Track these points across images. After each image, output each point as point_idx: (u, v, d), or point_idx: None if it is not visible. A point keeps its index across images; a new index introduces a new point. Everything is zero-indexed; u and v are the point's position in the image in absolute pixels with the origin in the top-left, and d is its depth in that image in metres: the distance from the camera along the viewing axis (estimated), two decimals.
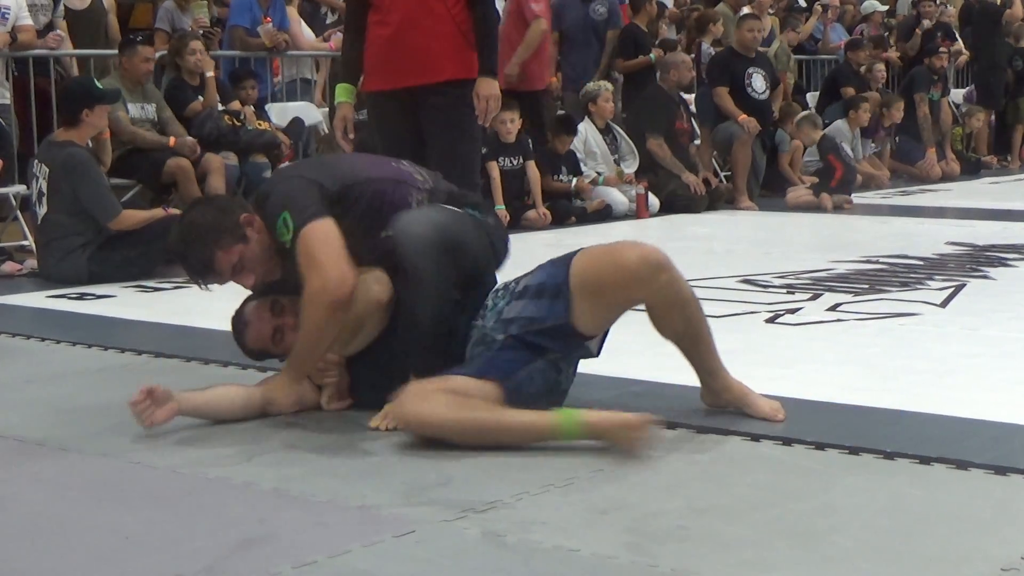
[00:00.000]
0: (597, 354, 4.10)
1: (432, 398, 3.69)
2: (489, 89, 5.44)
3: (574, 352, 4.01)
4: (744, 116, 11.21)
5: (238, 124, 9.37)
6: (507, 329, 3.96)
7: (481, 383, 3.78)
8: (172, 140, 8.66)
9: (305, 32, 11.08)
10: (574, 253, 3.98)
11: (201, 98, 9.36)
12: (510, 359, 3.89)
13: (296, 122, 10.29)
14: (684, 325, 3.91)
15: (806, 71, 14.99)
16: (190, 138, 8.73)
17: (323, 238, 3.90)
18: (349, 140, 5.55)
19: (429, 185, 4.23)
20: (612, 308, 3.94)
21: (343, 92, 5.64)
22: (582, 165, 10.59)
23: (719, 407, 4.02)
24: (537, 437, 3.70)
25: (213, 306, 6.31)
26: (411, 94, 5.45)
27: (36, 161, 7.37)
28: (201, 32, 10.14)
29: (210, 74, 9.39)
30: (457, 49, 5.46)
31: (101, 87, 7.44)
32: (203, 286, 4.24)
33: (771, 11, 14.24)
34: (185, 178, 8.52)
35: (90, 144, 7.58)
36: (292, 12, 11.05)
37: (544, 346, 3.92)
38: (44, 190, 7.18)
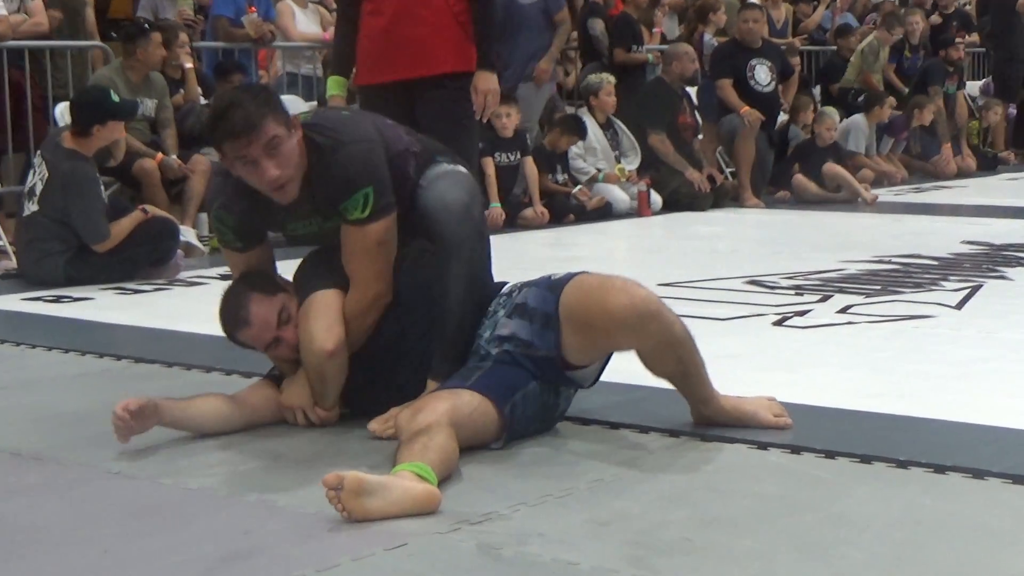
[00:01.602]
0: (590, 385, 4.09)
1: (440, 429, 3.54)
2: (487, 83, 5.45)
3: (564, 381, 3.99)
4: (746, 108, 11.23)
5: None
6: (502, 345, 3.96)
7: (482, 401, 3.74)
8: (159, 157, 8.64)
9: (299, 24, 11.05)
10: (568, 278, 3.92)
11: (182, 91, 9.36)
12: (507, 377, 3.87)
13: None
14: (675, 365, 3.89)
15: (814, 62, 14.99)
16: (176, 160, 8.71)
17: (386, 244, 4.03)
18: None
19: (418, 148, 4.21)
20: (600, 348, 3.92)
21: (335, 85, 5.63)
22: (581, 161, 10.59)
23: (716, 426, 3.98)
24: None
25: (195, 308, 6.34)
26: (406, 88, 5.44)
27: (38, 156, 7.35)
28: (183, 22, 10.14)
29: (189, 66, 9.38)
30: (455, 41, 5.46)
31: (117, 100, 7.38)
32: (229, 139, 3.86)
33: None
34: (150, 182, 8.51)
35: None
36: (284, 4, 11.04)
37: (533, 372, 3.91)
38: (38, 190, 7.17)
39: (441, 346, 4.04)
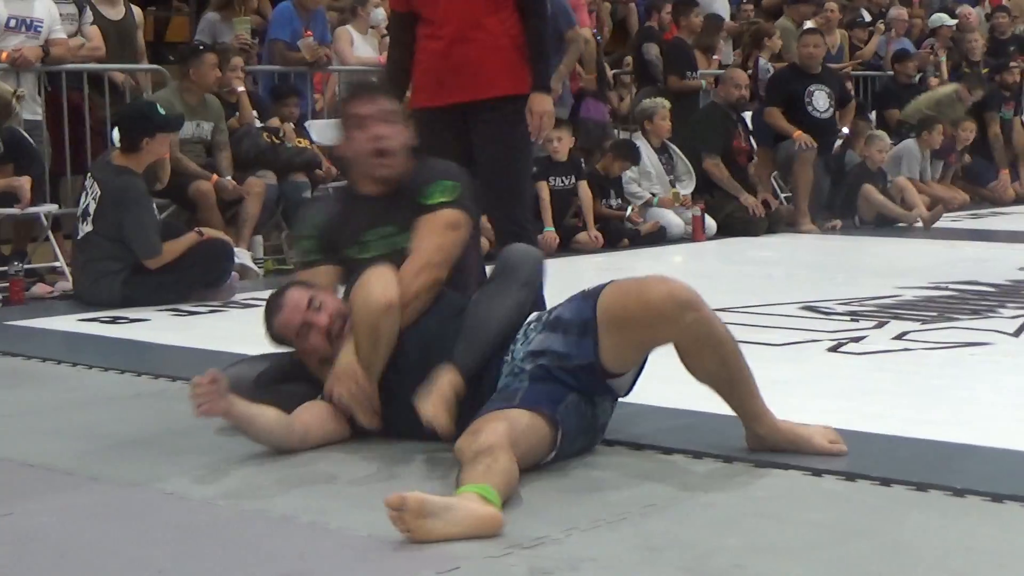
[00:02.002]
0: (626, 394, 4.09)
1: (502, 451, 3.53)
2: (543, 105, 5.45)
3: (601, 391, 3.99)
4: (799, 132, 11.19)
5: (277, 142, 9.43)
6: (536, 360, 3.97)
7: (532, 416, 3.74)
8: (214, 178, 8.70)
9: (356, 48, 11.10)
10: (604, 286, 3.97)
11: (237, 115, 9.42)
12: (548, 391, 3.87)
13: None
14: (717, 366, 3.88)
15: (871, 88, 14.93)
16: (231, 181, 8.77)
17: (456, 231, 4.33)
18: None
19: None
20: (639, 347, 3.93)
21: None
22: (635, 186, 10.58)
23: (769, 450, 3.95)
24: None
25: (249, 331, 6.35)
26: (462, 111, 5.46)
27: (89, 177, 7.43)
28: (239, 47, 10.21)
29: (241, 89, 9.45)
30: (511, 64, 5.46)
31: (164, 113, 7.46)
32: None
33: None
34: (206, 204, 8.57)
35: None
36: (342, 29, 11.11)
37: (570, 384, 3.91)
38: (91, 210, 7.24)
39: (472, 342, 4.05)
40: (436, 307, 4.20)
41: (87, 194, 7.33)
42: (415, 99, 5.63)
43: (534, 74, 5.48)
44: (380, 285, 4.08)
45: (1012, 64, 14.42)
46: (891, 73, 14.60)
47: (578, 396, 3.91)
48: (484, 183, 5.02)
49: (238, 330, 6.45)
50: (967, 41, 14.55)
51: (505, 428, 3.62)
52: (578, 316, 3.95)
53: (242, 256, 8.22)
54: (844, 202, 11.61)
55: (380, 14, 11.28)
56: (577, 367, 3.91)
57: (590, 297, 3.96)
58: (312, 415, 4.17)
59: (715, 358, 3.87)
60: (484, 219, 5.31)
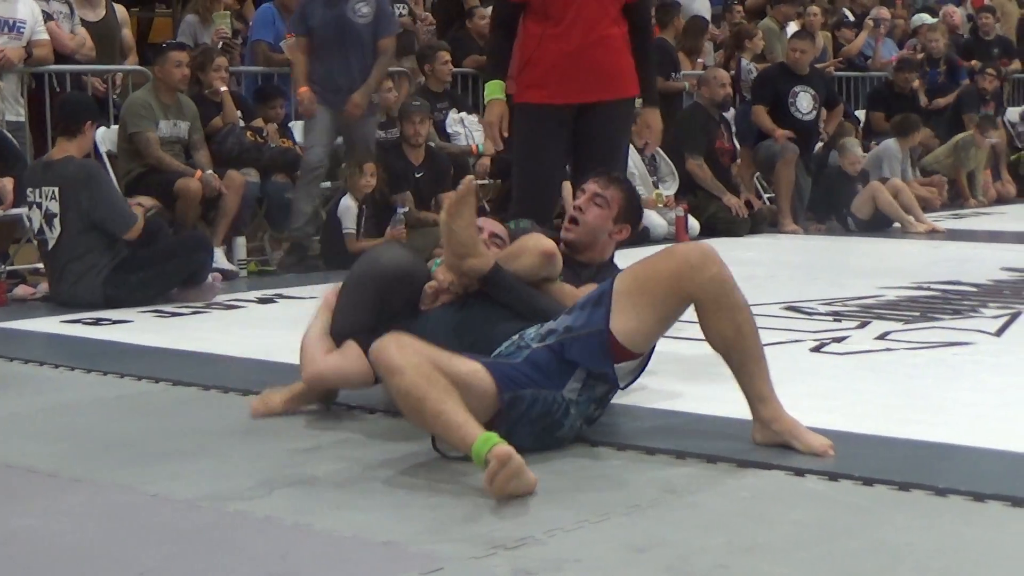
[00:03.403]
0: (624, 386, 4.11)
1: (409, 354, 3.72)
2: (658, 121, 5.94)
3: (599, 377, 3.99)
4: (780, 132, 11.22)
5: (261, 141, 9.42)
6: (545, 339, 4.03)
7: (479, 374, 3.85)
8: (198, 174, 8.68)
9: None
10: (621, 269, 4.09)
11: (221, 114, 9.40)
12: (526, 373, 3.94)
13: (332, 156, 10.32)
14: (734, 332, 3.91)
15: (854, 88, 14.95)
16: (214, 175, 8.75)
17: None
18: (503, 138, 5.70)
19: None
20: (655, 307, 3.93)
21: (497, 88, 5.77)
22: None
23: (768, 443, 3.97)
24: (454, 443, 3.69)
25: (232, 332, 6.37)
26: (579, 109, 5.70)
27: (31, 189, 7.39)
28: (221, 45, 10.18)
29: (224, 89, 9.43)
30: (632, 69, 5.77)
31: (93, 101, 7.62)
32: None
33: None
34: (190, 201, 8.55)
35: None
36: None
37: (573, 360, 3.93)
38: (55, 210, 7.22)
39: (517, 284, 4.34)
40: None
41: (38, 206, 7.29)
42: (529, 95, 5.78)
43: (650, 88, 5.91)
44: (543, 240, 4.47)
45: (988, 71, 14.43)
46: (884, 76, 14.61)
47: (557, 396, 3.93)
48: (587, 177, 5.35)
49: (221, 331, 6.45)
50: (929, 41, 14.55)
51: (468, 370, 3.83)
52: (597, 291, 4.06)
53: (217, 257, 8.21)
54: (823, 204, 11.61)
55: None
56: (586, 335, 3.96)
57: (611, 276, 4.08)
58: (344, 350, 4.41)
59: (731, 323, 3.91)
60: None
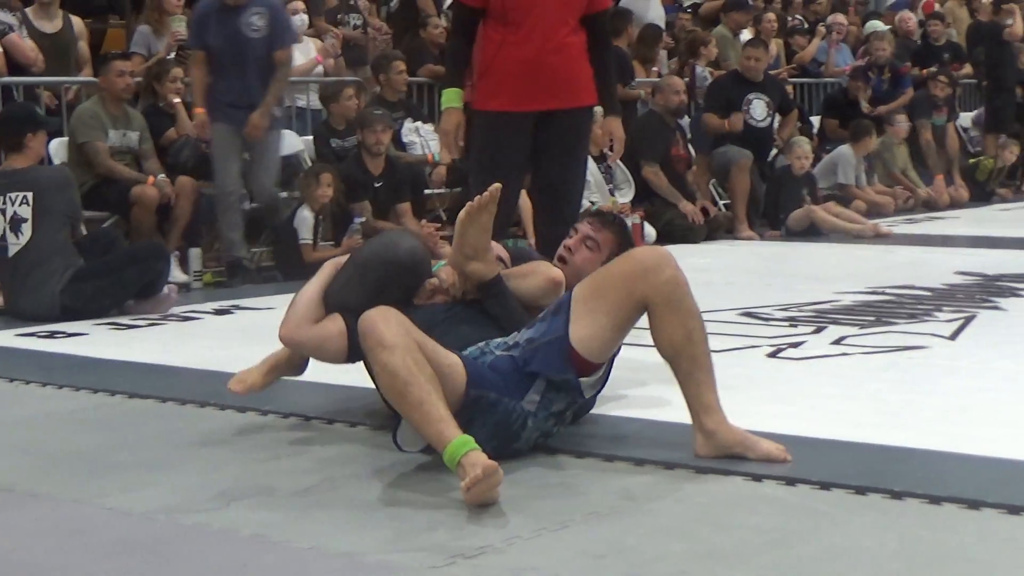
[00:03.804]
0: (590, 399, 4.12)
1: (401, 333, 3.72)
2: (621, 130, 5.93)
3: (560, 387, 3.99)
4: (732, 119, 11.34)
5: None
6: (509, 350, 4.05)
7: (458, 368, 3.85)
8: (151, 179, 8.64)
9: (296, 59, 11.07)
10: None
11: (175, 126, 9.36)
12: (491, 377, 3.94)
13: (288, 167, 10.29)
14: (684, 338, 3.90)
15: (808, 94, 15.02)
16: (167, 180, 8.71)
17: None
18: (459, 147, 5.68)
19: None
20: (611, 313, 3.93)
21: (454, 97, 5.74)
22: None
23: (712, 455, 3.93)
24: (428, 436, 3.68)
25: (188, 344, 6.34)
26: (539, 117, 5.69)
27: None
28: (176, 51, 10.14)
29: (177, 100, 9.39)
30: (590, 76, 5.77)
31: (41, 113, 7.54)
32: None
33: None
34: (145, 207, 8.51)
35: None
36: None
37: (533, 371, 3.94)
38: (26, 215, 7.18)
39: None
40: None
41: (2, 212, 7.25)
42: (488, 102, 5.75)
43: (611, 98, 5.93)
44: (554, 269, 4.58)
45: (940, 77, 14.51)
46: (838, 83, 14.68)
47: (516, 406, 3.93)
48: (546, 185, 5.52)
49: (178, 343, 6.42)
50: (875, 49, 14.63)
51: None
52: (556, 302, 4.09)
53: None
54: (769, 207, 11.65)
55: (300, 20, 11.24)
56: (546, 343, 3.96)
57: (569, 290, 4.10)
58: (328, 324, 4.43)
59: (683, 329, 3.90)
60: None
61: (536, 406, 3.98)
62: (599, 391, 4.19)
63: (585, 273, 4.58)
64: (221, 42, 8.80)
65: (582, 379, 4.00)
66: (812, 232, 11.27)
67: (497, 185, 4.27)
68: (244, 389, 4.53)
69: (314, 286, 4.51)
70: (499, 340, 4.14)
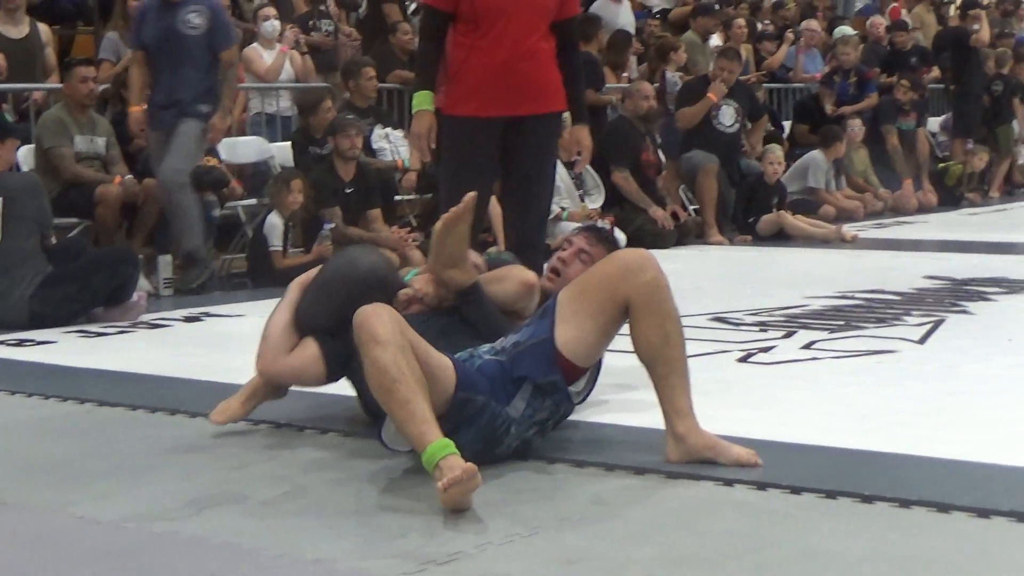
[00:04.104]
0: (578, 402, 4.14)
1: (395, 330, 3.71)
2: (589, 138, 5.94)
3: (546, 391, 3.98)
4: (711, 94, 11.46)
5: None
6: (497, 355, 4.05)
7: (448, 371, 3.85)
8: (117, 179, 8.62)
9: (267, 64, 11.06)
10: None
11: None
12: (479, 381, 3.94)
13: (258, 173, 10.27)
14: (662, 341, 3.92)
15: (777, 100, 15.07)
16: (134, 180, 8.69)
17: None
18: (431, 151, 5.67)
19: None
20: (594, 315, 3.95)
21: (426, 100, 5.72)
22: None
23: (683, 460, 3.93)
24: (411, 435, 3.66)
25: (158, 351, 6.31)
26: (508, 123, 5.69)
27: None
28: None
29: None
30: (559, 83, 5.78)
31: (9, 120, 7.51)
32: None
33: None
34: (108, 204, 8.48)
35: None
36: (251, 48, 11.11)
37: (520, 376, 3.95)
38: None
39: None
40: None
41: None
42: (458, 107, 5.73)
43: (580, 106, 5.94)
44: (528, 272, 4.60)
45: (903, 82, 14.57)
46: (809, 88, 14.73)
47: (501, 410, 3.93)
48: (515, 190, 5.54)
49: (147, 350, 6.40)
50: (840, 53, 14.69)
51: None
52: (542, 307, 4.11)
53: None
54: (739, 212, 11.68)
55: (271, 25, 11.23)
56: (532, 346, 3.97)
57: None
58: (302, 351, 4.43)
59: (661, 331, 3.91)
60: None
61: (520, 413, 3.98)
62: (583, 400, 4.20)
63: None
64: (158, 40, 8.57)
65: (569, 387, 4.01)
66: (781, 236, 11.33)
67: (472, 194, 4.28)
68: (225, 419, 4.51)
69: (283, 312, 4.52)
70: (487, 346, 4.14)
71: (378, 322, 3.71)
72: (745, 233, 11.53)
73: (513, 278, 4.52)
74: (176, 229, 8.58)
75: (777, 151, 11.95)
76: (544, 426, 4.09)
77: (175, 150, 8.51)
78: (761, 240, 11.32)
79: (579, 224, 10.48)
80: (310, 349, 4.44)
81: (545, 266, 4.91)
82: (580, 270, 4.66)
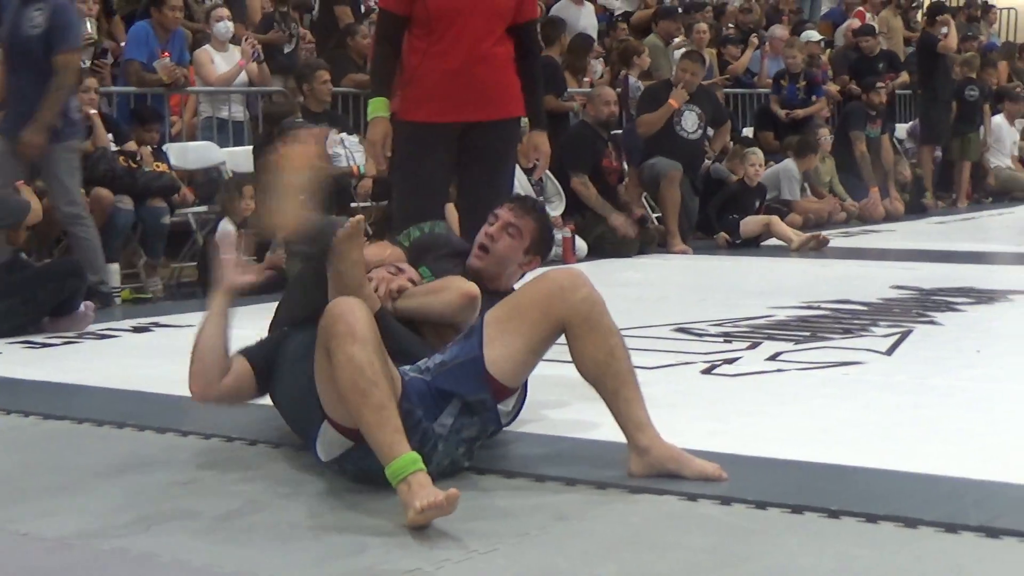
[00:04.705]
0: (507, 422, 4.12)
1: (372, 330, 3.67)
2: (547, 145, 5.90)
3: (474, 409, 3.95)
4: (674, 96, 11.43)
5: (134, 166, 9.32)
6: (421, 373, 3.99)
7: (397, 380, 3.81)
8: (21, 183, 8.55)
9: (218, 68, 11.02)
10: None
11: (91, 139, 9.29)
12: (414, 396, 3.89)
13: (210, 180, 10.24)
14: (607, 356, 3.92)
15: (740, 105, 15.13)
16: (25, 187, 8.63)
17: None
18: (387, 158, 5.65)
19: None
20: (525, 335, 3.93)
21: (381, 106, 5.71)
22: None
23: (646, 474, 3.93)
24: (378, 444, 3.61)
25: (103, 365, 6.28)
26: (464, 128, 5.69)
27: None
28: (90, 63, 10.06)
29: (93, 112, 9.32)
30: (517, 88, 5.79)
31: None
32: None
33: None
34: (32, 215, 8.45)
35: None
36: (202, 51, 11.09)
37: (446, 391, 3.92)
38: None
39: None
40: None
41: None
42: (412, 112, 5.73)
43: (537, 111, 5.94)
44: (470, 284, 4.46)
45: (879, 84, 14.65)
46: (768, 92, 14.81)
47: (428, 426, 3.89)
48: (472, 197, 5.51)
49: (94, 362, 6.36)
50: (786, 56, 14.76)
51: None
52: (468, 328, 4.07)
53: None
54: (715, 215, 11.72)
55: (224, 27, 11.19)
56: (459, 364, 3.94)
57: (482, 315, 4.08)
58: (235, 370, 4.27)
59: (604, 347, 3.91)
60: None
61: (447, 430, 3.93)
62: (511, 421, 4.18)
63: (508, 261, 4.66)
64: (7, 37, 8.13)
65: (498, 405, 3.99)
66: (763, 237, 11.38)
67: (360, 217, 4.17)
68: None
69: (213, 331, 4.27)
70: (407, 366, 4.03)
71: (354, 318, 3.66)
72: (719, 232, 11.56)
73: (453, 290, 4.43)
74: (80, 260, 8.15)
75: (758, 153, 12.02)
76: (472, 445, 4.04)
77: (54, 190, 8.27)
78: (735, 243, 11.36)
79: None
80: (241, 364, 4.30)
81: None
82: (509, 244, 4.69)
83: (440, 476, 3.91)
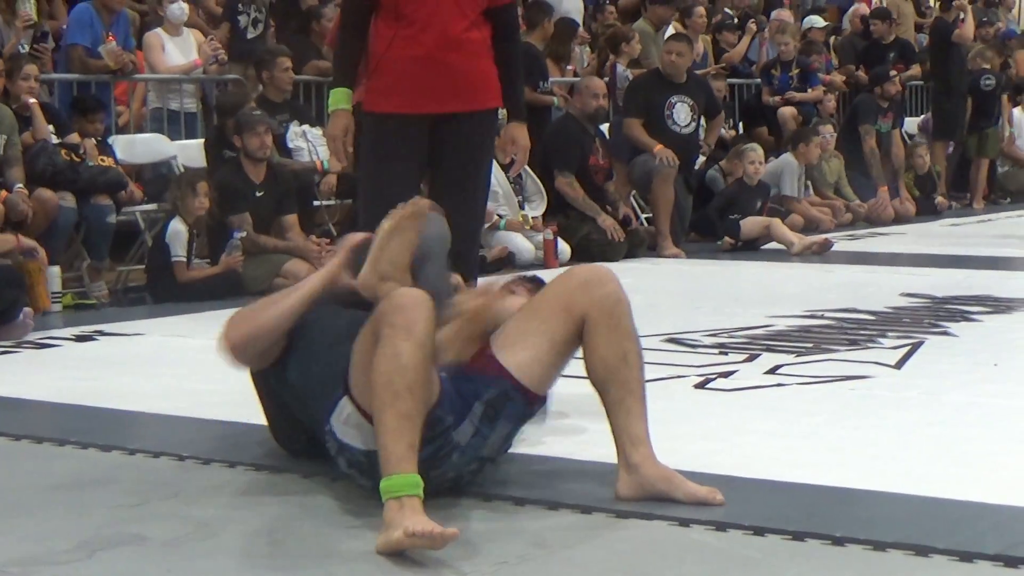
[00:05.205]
0: (541, 416, 4.17)
1: (429, 332, 3.70)
2: (526, 138, 5.90)
3: (499, 401, 3.97)
4: (660, 147, 11.28)
5: (77, 160, 9.27)
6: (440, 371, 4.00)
7: (436, 385, 3.83)
8: (3, 194, 8.54)
9: (169, 55, 11.00)
10: None
11: (31, 129, 9.27)
12: (447, 398, 3.90)
13: (159, 176, 10.22)
14: (619, 361, 3.94)
15: (738, 96, 15.14)
16: (22, 193, 8.60)
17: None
18: (348, 153, 5.64)
19: None
20: (548, 333, 3.96)
21: (343, 97, 5.70)
22: None
23: (636, 497, 3.94)
24: (387, 449, 3.62)
25: (43, 377, 6.26)
26: (440, 119, 5.67)
27: None
28: (27, 48, 10.03)
29: (33, 101, 9.29)
30: (494, 77, 5.76)
31: None
32: None
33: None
34: None
35: None
36: (152, 34, 11.03)
37: (468, 396, 3.94)
38: None
39: None
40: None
41: None
42: (378, 103, 5.71)
43: (516, 102, 5.92)
44: None
45: (892, 73, 14.66)
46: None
47: (452, 436, 3.91)
48: (444, 196, 5.34)
49: (34, 373, 6.35)
50: (777, 43, 14.79)
51: None
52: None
53: None
54: (716, 216, 11.75)
55: (179, 9, 11.15)
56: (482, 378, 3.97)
57: None
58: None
59: (619, 350, 3.95)
60: None
61: (467, 441, 3.96)
62: (544, 420, 4.21)
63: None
64: None
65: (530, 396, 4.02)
66: (762, 240, 11.42)
67: (427, 200, 4.25)
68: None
69: (294, 307, 4.26)
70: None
71: (418, 315, 3.69)
72: (722, 237, 11.59)
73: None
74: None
75: (758, 150, 12.04)
76: (483, 464, 4.07)
77: None
78: (742, 244, 11.40)
79: (518, 234, 10.54)
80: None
81: None
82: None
83: (435, 493, 3.89)
